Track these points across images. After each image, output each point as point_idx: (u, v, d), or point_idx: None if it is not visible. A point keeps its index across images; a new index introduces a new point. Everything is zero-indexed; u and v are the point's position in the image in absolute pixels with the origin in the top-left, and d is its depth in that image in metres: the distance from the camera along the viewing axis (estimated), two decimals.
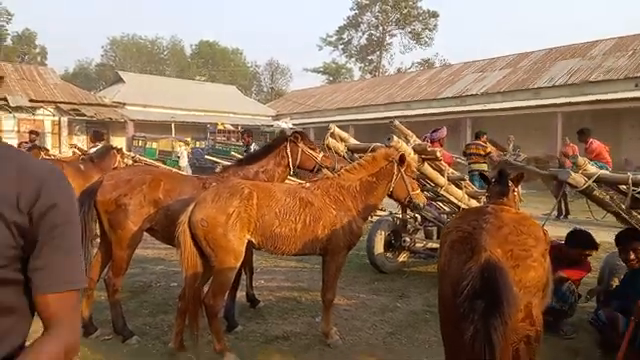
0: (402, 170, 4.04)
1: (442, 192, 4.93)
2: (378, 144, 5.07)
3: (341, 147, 5.14)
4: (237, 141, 23.69)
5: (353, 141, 5.27)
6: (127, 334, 4.03)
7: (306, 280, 5.90)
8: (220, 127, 26.07)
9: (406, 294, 5.25)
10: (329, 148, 5.09)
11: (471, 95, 22.77)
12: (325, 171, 4.20)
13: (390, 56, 52.73)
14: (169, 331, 4.27)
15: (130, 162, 9.34)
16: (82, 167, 8.04)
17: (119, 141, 23.51)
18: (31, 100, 22.10)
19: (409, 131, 4.60)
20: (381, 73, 46.68)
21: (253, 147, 8.11)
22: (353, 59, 51.23)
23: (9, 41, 48.29)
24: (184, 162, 21.33)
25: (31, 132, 10.99)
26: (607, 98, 17.07)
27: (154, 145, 24.71)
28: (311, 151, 4.79)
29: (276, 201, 3.68)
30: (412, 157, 4.45)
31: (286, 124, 26.40)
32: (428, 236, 6.79)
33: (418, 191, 4.19)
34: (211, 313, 3.64)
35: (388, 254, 6.11)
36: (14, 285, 0.94)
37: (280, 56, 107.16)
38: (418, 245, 5.97)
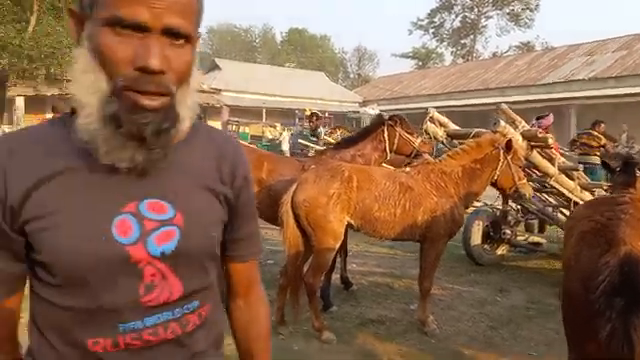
0: (508, 157, 3.83)
1: (551, 183, 4.60)
2: (481, 129, 4.85)
3: (440, 132, 4.98)
4: (324, 127, 23.90)
5: (452, 126, 5.07)
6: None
7: (398, 267, 5.84)
8: (307, 113, 26.45)
9: (506, 288, 5.01)
10: (427, 133, 4.95)
11: (578, 80, 20.95)
12: (426, 156, 4.09)
13: (485, 39, 49.91)
14: (271, 305, 4.46)
15: None
16: None
17: (214, 125, 24.74)
18: None
19: (517, 116, 4.32)
20: (474, 58, 44.50)
21: (321, 130, 8.12)
22: (445, 43, 49.33)
23: None
24: (285, 146, 22.00)
25: None
26: None
27: (246, 130, 25.73)
28: (409, 136, 4.70)
29: (376, 184, 3.67)
30: (520, 144, 4.19)
31: (373, 110, 26.15)
32: (529, 229, 6.40)
33: (524, 180, 3.95)
34: (310, 291, 3.74)
35: (485, 246, 5.86)
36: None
37: (368, 42, 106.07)
38: (519, 238, 5.66)
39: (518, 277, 5.43)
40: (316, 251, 3.67)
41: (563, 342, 3.51)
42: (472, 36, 46.57)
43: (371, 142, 4.66)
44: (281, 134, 23.07)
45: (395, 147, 4.68)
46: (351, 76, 60.55)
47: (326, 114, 26.93)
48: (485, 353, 3.58)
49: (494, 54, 45.49)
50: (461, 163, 3.87)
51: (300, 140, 7.81)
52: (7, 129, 14.88)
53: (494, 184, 3.95)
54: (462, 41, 47.79)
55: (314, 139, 7.90)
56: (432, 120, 4.92)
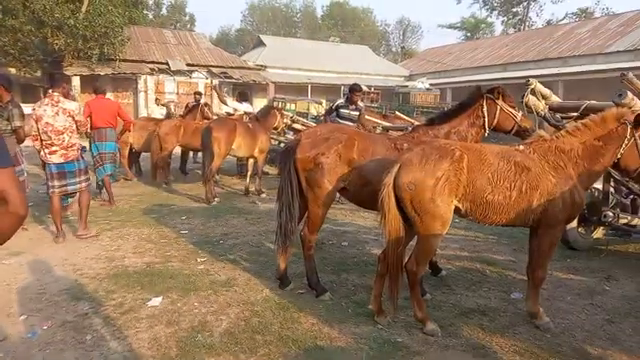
0: (636, 135, 3.38)
1: None
2: (593, 102, 4.37)
3: (541, 106, 4.54)
4: (372, 103, 23.45)
5: (555, 99, 4.61)
6: (320, 290, 4.09)
7: (484, 250, 5.51)
8: None
9: (613, 276, 4.59)
10: (527, 107, 4.52)
11: None
12: (542, 132, 3.69)
13: (539, 7, 47.32)
14: (356, 290, 4.26)
15: (288, 122, 9.57)
16: (250, 126, 8.39)
17: (261, 102, 24.65)
18: (188, 64, 24.06)
19: None
20: (527, 27, 42.25)
21: (362, 105, 7.80)
22: (495, 12, 47.02)
23: (164, 10, 52.99)
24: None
25: (196, 93, 11.85)
26: None
27: (292, 106, 25.49)
28: (511, 110, 4.29)
29: (488, 165, 3.33)
30: None
31: (422, 84, 25.33)
32: (624, 210, 5.87)
33: None
34: (413, 280, 3.49)
35: (580, 229, 5.42)
36: None
37: (411, 13, 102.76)
38: (622, 221, 5.18)
39: (623, 263, 4.99)
40: (421, 237, 3.40)
41: None
42: (525, 3, 44.11)
43: (468, 118, 4.29)
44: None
45: (495, 123, 4.29)
46: (394, 49, 59.04)
47: (372, 89, 26.40)
48: (611, 351, 3.24)
49: (549, 22, 43.05)
50: (582, 140, 3.46)
51: (342, 110, 7.51)
52: None
53: (616, 165, 3.52)
54: (514, 9, 45.42)
55: (355, 113, 7.59)
56: (534, 92, 4.47)
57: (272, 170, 11.20)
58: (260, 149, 8.55)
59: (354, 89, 7.68)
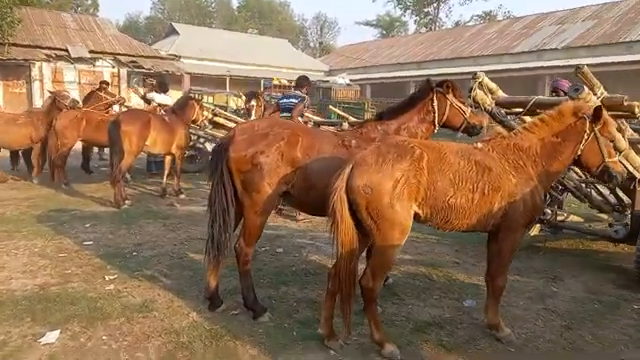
0: (596, 129, 3.20)
1: (620, 159, 4.06)
2: (542, 97, 4.20)
3: (488, 100, 4.30)
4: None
5: (501, 93, 4.41)
6: (259, 310, 3.53)
7: (426, 252, 5.24)
8: (275, 82, 25.33)
9: (558, 276, 4.50)
10: (475, 102, 4.26)
11: (550, 49, 20.88)
12: (499, 128, 3.41)
13: (448, 8, 49.55)
14: (299, 307, 3.76)
15: (209, 115, 8.78)
16: (167, 119, 7.53)
17: (176, 94, 23.19)
18: (91, 51, 21.93)
19: (597, 80, 3.72)
20: (438, 27, 44.11)
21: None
22: (409, 11, 48.58)
23: None
24: (254, 116, 20.85)
25: (102, 82, 10.62)
26: None
27: (210, 99, 24.30)
28: (461, 105, 4.00)
29: (449, 165, 2.97)
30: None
31: (343, 80, 25.36)
32: (560, 207, 5.91)
33: (616, 158, 3.35)
34: (370, 297, 3.06)
35: None
36: None
37: (328, 9, 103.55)
38: (559, 218, 5.15)
39: (562, 261, 4.95)
40: (378, 248, 2.96)
41: None
42: (436, 4, 46.04)
43: (418, 113, 3.93)
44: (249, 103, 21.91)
45: (445, 119, 3.97)
46: (312, 45, 59.07)
47: (292, 83, 25.97)
48: None
49: (457, 23, 45.28)
50: (540, 137, 3.22)
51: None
52: None
53: (577, 161, 3.32)
54: (425, 9, 47.22)
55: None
56: (481, 86, 4.22)
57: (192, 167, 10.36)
58: (178, 145, 7.72)
59: (301, 83, 7.01)
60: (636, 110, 3.54)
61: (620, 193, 5.20)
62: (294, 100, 6.73)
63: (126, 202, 7.05)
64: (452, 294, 4.10)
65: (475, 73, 4.29)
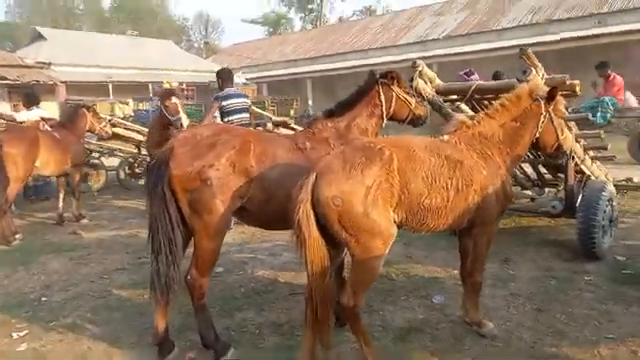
0: (550, 110, 3.20)
1: None
2: (482, 82, 4.17)
3: (428, 89, 4.19)
4: (188, 100, 21.88)
5: (439, 82, 4.33)
6: (222, 348, 3.05)
7: None
8: (166, 86, 23.81)
9: (509, 258, 4.56)
10: (417, 91, 4.13)
11: (432, 40, 22.14)
12: (462, 117, 3.28)
13: (330, 4, 50.50)
14: (263, 334, 3.34)
15: (106, 125, 7.79)
16: (57, 135, 6.49)
17: (50, 106, 20.78)
18: None
19: (539, 63, 3.75)
20: (322, 23, 44.90)
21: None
22: (293, 8, 48.80)
23: None
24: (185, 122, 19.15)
25: None
26: (573, 36, 17.07)
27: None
28: (406, 96, 3.82)
29: (420, 163, 2.75)
30: None
31: (239, 79, 24.59)
32: None
33: (566, 134, 3.39)
34: (354, 317, 2.76)
35: None
36: None
37: (209, 9, 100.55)
38: None
39: (505, 242, 5.00)
40: (359, 262, 2.65)
41: (621, 316, 3.15)
42: (319, 1, 46.78)
43: (366, 107, 3.67)
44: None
45: (392, 111, 3.76)
46: (196, 45, 56.89)
47: (184, 85, 24.62)
48: (565, 347, 2.99)
49: (340, 19, 46.49)
50: (500, 123, 3.14)
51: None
52: None
53: (535, 144, 3.31)
54: (309, 6, 47.78)
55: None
56: (421, 75, 4.08)
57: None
58: (74, 163, 6.71)
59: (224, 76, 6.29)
60: (577, 89, 3.63)
61: (542, 169, 5.47)
62: (246, 100, 6.15)
63: (17, 237, 5.95)
64: (417, 291, 3.93)
65: (414, 62, 4.16)
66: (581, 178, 4.71)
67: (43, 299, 4.11)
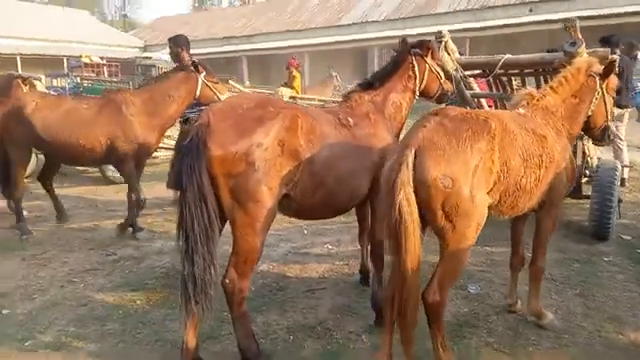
0: (604, 88, 3.02)
1: None
2: (509, 55, 3.92)
3: (451, 63, 3.88)
4: (110, 76, 20.11)
5: (458, 56, 4.03)
6: None
7: (347, 242, 4.61)
8: (85, 60, 21.70)
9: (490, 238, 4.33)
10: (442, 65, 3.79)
11: (372, 22, 22.00)
12: (530, 89, 3.01)
13: None
14: (296, 338, 2.92)
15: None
16: None
17: None
18: None
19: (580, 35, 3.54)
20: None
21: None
22: None
23: None
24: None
25: None
26: (507, 23, 17.73)
27: None
28: (438, 69, 3.49)
29: (515, 138, 2.46)
30: None
31: (164, 55, 23.02)
32: None
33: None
34: (438, 313, 2.40)
35: None
36: None
37: None
38: None
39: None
40: (451, 253, 2.31)
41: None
42: None
43: (400, 80, 3.28)
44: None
45: (424, 85, 3.41)
46: (110, 18, 52.72)
47: (104, 60, 22.59)
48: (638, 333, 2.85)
49: None
50: (563, 98, 2.91)
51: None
52: None
53: (585, 123, 3.11)
54: None
55: None
56: (446, 48, 3.75)
57: None
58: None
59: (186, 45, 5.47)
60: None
61: None
62: None
63: None
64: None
65: (440, 32, 3.80)
66: (583, 157, 4.67)
67: (4, 311, 3.33)
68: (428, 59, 3.38)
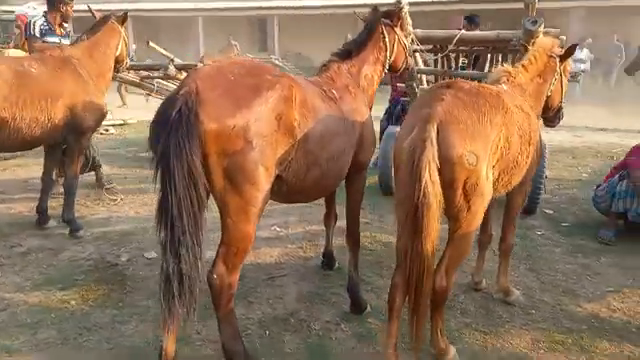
0: (561, 69, 3.15)
1: None
2: (465, 32, 3.89)
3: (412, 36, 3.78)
4: None
5: (411, 29, 3.91)
6: None
7: (313, 222, 4.43)
8: None
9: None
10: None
11: None
12: (507, 66, 2.99)
13: None
14: (275, 335, 2.69)
15: None
16: None
17: None
18: None
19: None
20: None
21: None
22: None
23: None
24: None
25: None
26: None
27: None
28: (406, 42, 3.36)
29: (513, 114, 2.45)
30: None
31: (34, 9, 19.97)
32: None
33: None
34: (443, 298, 2.34)
35: None
36: None
37: None
38: None
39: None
40: (462, 234, 2.24)
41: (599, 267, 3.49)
42: None
43: (372, 51, 3.08)
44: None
45: (392, 58, 3.25)
46: None
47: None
48: (592, 304, 3.04)
49: None
50: (531, 77, 2.96)
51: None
52: None
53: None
54: None
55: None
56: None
57: None
58: None
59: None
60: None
61: None
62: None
63: None
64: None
65: (399, 2, 3.62)
66: None
67: None
68: (397, 30, 3.22)
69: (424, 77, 4.76)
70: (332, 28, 18.67)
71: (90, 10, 4.33)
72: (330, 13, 18.90)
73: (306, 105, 2.28)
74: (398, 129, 5.20)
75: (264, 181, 2.09)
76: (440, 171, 2.01)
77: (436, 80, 4.89)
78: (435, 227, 2.05)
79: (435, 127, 2.02)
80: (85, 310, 2.77)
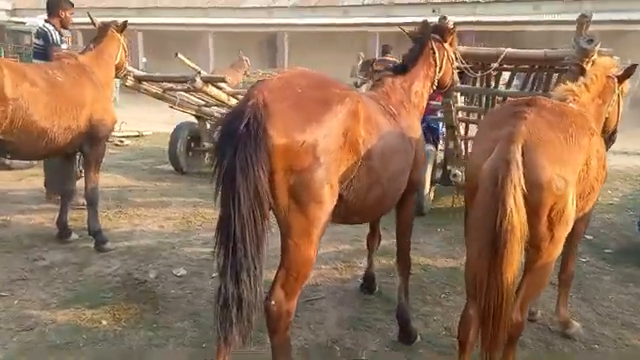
0: (618, 90, 3.00)
1: None
2: (511, 49, 3.76)
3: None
4: None
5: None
6: None
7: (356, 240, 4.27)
8: None
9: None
10: None
11: (279, 7, 21.39)
12: (570, 84, 2.84)
13: None
14: None
15: None
16: None
17: None
18: None
19: None
20: None
21: None
22: None
23: None
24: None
25: None
26: (409, 21, 18.35)
27: None
28: (454, 59, 3.22)
29: (595, 134, 2.31)
30: None
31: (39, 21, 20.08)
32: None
33: None
34: (518, 334, 2.16)
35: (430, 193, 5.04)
36: None
37: None
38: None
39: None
40: (544, 265, 2.07)
41: None
42: None
43: (422, 67, 2.93)
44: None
45: (441, 75, 3.10)
46: None
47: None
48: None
49: None
50: (592, 97, 2.80)
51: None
52: None
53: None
54: None
55: None
56: None
57: None
58: None
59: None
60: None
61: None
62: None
63: None
64: (453, 286, 3.41)
65: (444, 17, 3.49)
66: None
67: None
68: (447, 46, 3.09)
69: (458, 95, 4.63)
70: (341, 45, 18.87)
71: (90, 18, 4.26)
72: (339, 31, 19.05)
73: (370, 121, 2.14)
74: (432, 147, 5.15)
75: (329, 200, 1.93)
76: (525, 196, 1.85)
77: (471, 100, 4.76)
78: (518, 257, 1.88)
79: (520, 148, 1.86)
80: (118, 331, 2.58)
